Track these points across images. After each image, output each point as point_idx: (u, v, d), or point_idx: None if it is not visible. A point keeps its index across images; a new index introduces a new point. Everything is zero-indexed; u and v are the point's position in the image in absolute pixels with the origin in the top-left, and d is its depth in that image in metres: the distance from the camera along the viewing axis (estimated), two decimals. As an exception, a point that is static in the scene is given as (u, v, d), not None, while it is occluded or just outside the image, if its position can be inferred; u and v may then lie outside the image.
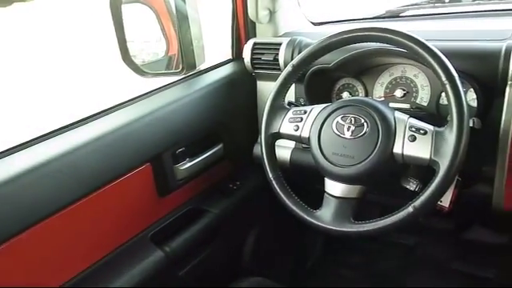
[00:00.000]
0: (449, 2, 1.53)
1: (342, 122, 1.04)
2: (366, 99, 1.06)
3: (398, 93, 1.28)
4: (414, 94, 1.27)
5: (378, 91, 1.32)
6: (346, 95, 1.37)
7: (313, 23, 1.65)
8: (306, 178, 1.33)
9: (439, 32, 1.35)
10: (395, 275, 1.88)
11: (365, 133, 1.01)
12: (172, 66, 1.47)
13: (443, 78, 0.94)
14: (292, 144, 1.39)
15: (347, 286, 1.86)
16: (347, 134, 1.03)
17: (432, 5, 1.53)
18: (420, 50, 0.96)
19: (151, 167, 1.26)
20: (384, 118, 1.01)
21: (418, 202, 0.94)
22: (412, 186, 1.08)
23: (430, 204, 0.94)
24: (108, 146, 1.14)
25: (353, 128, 1.03)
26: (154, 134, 1.24)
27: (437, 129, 0.97)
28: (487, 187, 1.14)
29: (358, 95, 1.35)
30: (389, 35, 1.00)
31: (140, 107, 1.26)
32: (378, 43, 1.07)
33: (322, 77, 1.32)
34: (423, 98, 1.26)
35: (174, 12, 1.38)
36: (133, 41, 1.34)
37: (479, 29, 1.31)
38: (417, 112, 1.21)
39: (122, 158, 1.18)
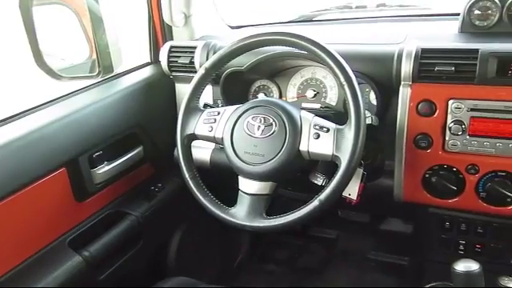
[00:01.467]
0: (355, 8, 1.63)
1: (253, 122, 1.09)
2: (274, 100, 1.12)
3: (309, 93, 1.35)
4: (324, 95, 1.34)
5: (291, 92, 1.38)
6: (261, 96, 1.42)
7: (230, 27, 1.70)
8: (226, 177, 1.37)
9: (344, 36, 1.44)
10: (319, 268, 1.97)
11: (273, 132, 1.06)
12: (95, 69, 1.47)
13: (341, 79, 1.01)
14: (212, 145, 1.42)
15: (274, 281, 1.92)
16: (257, 134, 1.08)
17: (340, 10, 1.62)
18: (320, 53, 1.03)
19: (67, 172, 1.24)
20: (291, 118, 1.06)
21: (322, 196, 1.01)
22: (319, 180, 1.15)
23: (334, 197, 1.01)
24: (20, 150, 1.12)
25: (262, 127, 1.07)
26: (68, 137, 1.22)
27: (338, 126, 1.03)
28: (389, 180, 1.23)
29: (273, 96, 1.41)
30: (292, 39, 1.06)
31: (53, 111, 1.24)
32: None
33: (238, 79, 1.36)
34: (332, 98, 1.33)
35: (89, 15, 1.37)
36: (51, 43, 1.33)
37: (379, 33, 1.41)
38: (326, 111, 1.29)
39: (35, 162, 1.16)
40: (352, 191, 1.22)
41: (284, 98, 1.39)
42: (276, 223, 1.05)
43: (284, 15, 1.72)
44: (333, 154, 1.02)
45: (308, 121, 1.06)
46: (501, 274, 1.07)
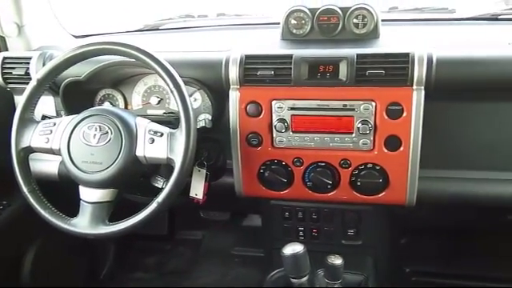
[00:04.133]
0: (197, 17, 1.71)
1: (89, 131, 1.10)
2: (109, 108, 1.15)
3: (153, 100, 1.38)
4: (167, 101, 1.39)
5: (136, 100, 1.41)
6: (106, 105, 1.43)
7: (74, 36, 1.68)
8: (75, 188, 1.36)
9: (185, 43, 1.50)
10: (186, 269, 2.02)
11: (109, 139, 1.09)
12: None
13: (170, 86, 1.07)
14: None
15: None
16: (94, 142, 1.10)
17: (183, 19, 1.69)
18: (149, 61, 1.08)
19: None
20: (126, 125, 1.10)
21: (160, 198, 1.06)
22: (159, 183, 1.19)
23: (171, 197, 1.06)
24: None
25: (99, 136, 1.10)
26: None
27: (171, 131, 1.09)
28: (231, 178, 1.32)
29: (118, 105, 1.42)
30: (121, 48, 1.09)
31: None
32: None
33: (79, 89, 1.35)
34: (175, 103, 1.38)
35: None
36: None
37: (217, 40, 1.50)
38: (169, 116, 1.34)
39: None
40: (198, 191, 1.29)
41: (130, 106, 1.42)
42: (117, 228, 1.09)
43: (131, 24, 1.73)
44: (167, 157, 1.07)
45: (143, 127, 1.10)
46: (329, 253, 1.20)
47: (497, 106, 1.18)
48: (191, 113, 1.07)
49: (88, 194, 1.11)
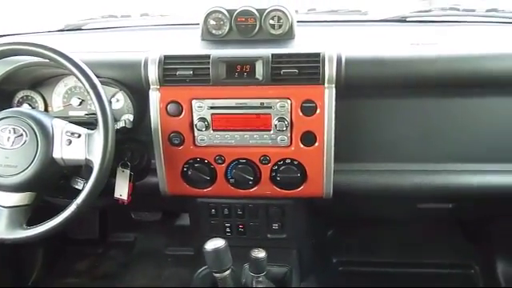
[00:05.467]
0: (120, 17, 1.70)
1: (2, 134, 1.08)
2: (23, 110, 1.13)
3: (75, 101, 1.36)
4: (89, 102, 1.37)
5: (56, 101, 1.38)
6: (25, 107, 1.39)
7: (-10, 37, 1.62)
8: None
9: (104, 44, 1.49)
10: (119, 273, 1.99)
11: (25, 142, 1.08)
12: None
13: (87, 86, 1.07)
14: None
15: None
16: (8, 145, 1.08)
17: (106, 19, 1.67)
18: (63, 62, 1.07)
19: None
20: (42, 127, 1.09)
21: (79, 200, 1.06)
22: (79, 185, 1.19)
23: (90, 198, 1.06)
24: None
25: (13, 138, 1.08)
26: None
27: (89, 132, 1.09)
28: (156, 177, 1.33)
29: (38, 107, 1.39)
30: (33, 48, 1.08)
31: None
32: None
33: None
34: None
35: None
36: None
37: (140, 40, 1.50)
38: (90, 117, 1.33)
39: None
40: (123, 192, 1.29)
41: (50, 108, 1.39)
42: (35, 232, 1.08)
43: (52, 24, 1.70)
44: (86, 158, 1.07)
45: (60, 128, 1.10)
46: (253, 248, 1.24)
47: (405, 102, 1.26)
48: (109, 113, 1.07)
49: (3, 199, 1.10)
